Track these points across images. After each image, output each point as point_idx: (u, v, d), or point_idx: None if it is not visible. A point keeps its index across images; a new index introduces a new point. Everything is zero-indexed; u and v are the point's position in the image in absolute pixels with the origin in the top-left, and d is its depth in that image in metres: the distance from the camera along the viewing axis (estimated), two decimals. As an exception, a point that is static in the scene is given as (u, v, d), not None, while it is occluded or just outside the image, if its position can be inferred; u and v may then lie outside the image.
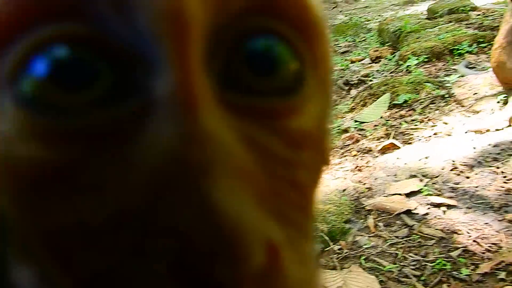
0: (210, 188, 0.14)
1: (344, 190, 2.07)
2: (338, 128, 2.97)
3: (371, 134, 2.72)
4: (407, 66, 4.05)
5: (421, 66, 3.98)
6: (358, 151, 2.53)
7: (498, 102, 2.58)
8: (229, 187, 0.14)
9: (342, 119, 3.18)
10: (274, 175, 0.17)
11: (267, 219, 0.16)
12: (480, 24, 4.71)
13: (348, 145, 2.65)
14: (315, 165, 0.20)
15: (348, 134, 2.76)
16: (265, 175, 0.17)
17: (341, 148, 2.64)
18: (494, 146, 2.12)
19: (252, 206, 0.15)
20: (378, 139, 2.63)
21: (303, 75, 0.19)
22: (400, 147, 2.42)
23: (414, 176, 2.06)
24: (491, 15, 4.98)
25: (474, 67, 3.55)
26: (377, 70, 4.51)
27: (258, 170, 0.17)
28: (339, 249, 1.70)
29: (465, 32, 4.34)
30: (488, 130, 2.30)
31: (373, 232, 1.75)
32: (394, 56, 4.69)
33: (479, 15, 5.15)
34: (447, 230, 1.66)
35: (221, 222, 0.14)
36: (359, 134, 2.77)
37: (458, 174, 1.97)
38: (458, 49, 3.97)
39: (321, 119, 0.20)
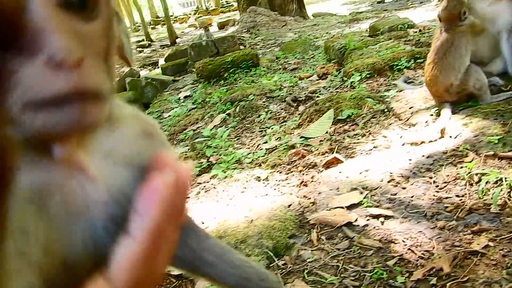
0: None
1: (289, 205, 2.13)
2: (285, 144, 3.05)
3: (317, 150, 2.81)
4: (351, 82, 4.22)
5: (364, 82, 4.15)
6: (304, 167, 2.60)
7: (431, 115, 2.73)
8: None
9: (290, 135, 3.27)
10: (91, 39, 0.40)
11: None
12: (417, 40, 4.98)
13: (295, 161, 2.73)
14: (107, 39, 0.42)
15: (294, 150, 2.83)
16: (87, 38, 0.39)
17: (288, 164, 2.71)
18: (428, 157, 2.25)
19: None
20: (323, 154, 2.72)
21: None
22: (343, 161, 2.52)
23: (355, 189, 2.14)
24: (427, 32, 5.28)
25: (412, 82, 3.74)
26: (323, 87, 4.66)
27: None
28: (283, 264, 1.74)
29: (404, 49, 4.58)
30: (422, 142, 2.44)
31: (316, 246, 1.81)
32: (339, 73, 4.87)
33: (416, 32, 5.44)
34: (385, 240, 1.74)
35: None
36: (305, 150, 2.86)
37: (395, 185, 2.07)
38: (397, 65, 4.18)
39: (110, 22, 0.43)
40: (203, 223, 2.08)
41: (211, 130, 3.88)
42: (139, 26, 25.84)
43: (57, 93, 0.34)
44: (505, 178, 1.79)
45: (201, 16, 26.23)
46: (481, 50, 2.76)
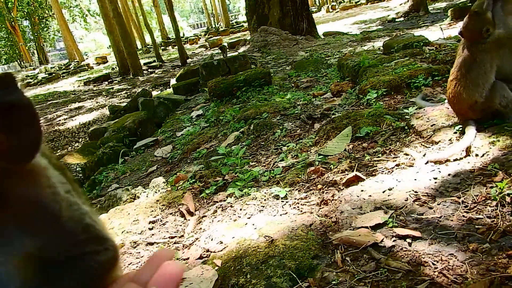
0: None
1: (310, 224, 2.05)
2: (303, 162, 2.98)
3: (336, 167, 2.74)
4: (367, 99, 4.16)
5: (381, 99, 4.09)
6: (323, 185, 2.53)
7: (455, 132, 2.65)
8: None
9: (307, 153, 3.20)
10: None
11: None
12: (434, 58, 4.92)
13: (313, 179, 2.65)
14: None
15: (313, 168, 2.76)
16: None
17: (307, 182, 2.64)
18: (454, 176, 2.16)
19: None
20: (342, 172, 2.64)
21: None
22: (364, 179, 2.44)
23: (379, 208, 2.06)
24: (444, 50, 5.22)
25: (430, 99, 3.67)
26: (339, 104, 4.60)
27: None
28: (307, 287, 1.65)
29: (420, 66, 4.52)
30: (447, 160, 2.35)
31: (341, 267, 1.72)
32: (354, 90, 4.81)
33: (432, 50, 5.39)
34: (414, 262, 1.65)
35: None
36: (324, 168, 2.79)
37: (422, 205, 1.98)
38: (414, 82, 4.12)
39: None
40: (221, 242, 2.00)
41: (225, 148, 3.82)
42: (151, 47, 26.18)
43: None
44: (540, 198, 1.70)
45: (211, 37, 26.56)
46: (507, 67, 2.69)
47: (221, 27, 35.85)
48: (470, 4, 9.16)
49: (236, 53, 11.87)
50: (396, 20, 14.75)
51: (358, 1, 30.44)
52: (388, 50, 6.17)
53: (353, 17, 21.65)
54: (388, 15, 16.59)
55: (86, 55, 38.25)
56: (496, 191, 1.87)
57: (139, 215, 2.44)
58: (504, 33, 2.54)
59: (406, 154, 2.64)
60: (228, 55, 9.30)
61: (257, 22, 13.41)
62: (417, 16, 14.01)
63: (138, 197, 2.94)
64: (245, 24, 23.65)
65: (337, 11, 28.58)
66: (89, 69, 26.06)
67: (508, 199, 1.81)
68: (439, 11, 14.27)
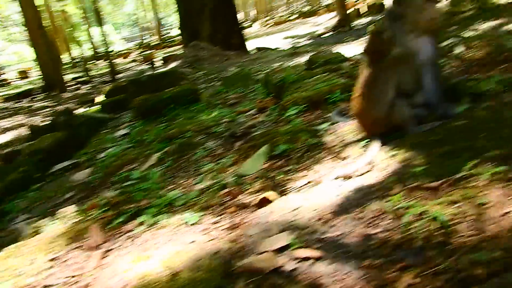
0: None
1: (216, 252, 2.01)
2: (219, 183, 2.95)
3: (250, 188, 2.73)
4: (288, 115, 4.22)
5: (301, 115, 4.16)
6: (236, 207, 2.51)
7: (362, 147, 2.75)
8: None
9: (224, 173, 3.17)
10: None
11: None
12: (351, 73, 5.11)
13: (227, 201, 2.63)
14: None
15: (226, 190, 2.74)
16: None
17: (220, 205, 2.60)
18: (357, 191, 2.22)
19: None
20: (256, 193, 2.64)
21: None
22: (275, 200, 2.44)
23: (285, 229, 2.06)
24: (360, 65, 5.42)
25: (346, 114, 3.79)
26: (261, 121, 4.63)
27: None
28: (206, 320, 1.61)
29: (338, 82, 4.66)
30: (353, 176, 2.42)
31: (243, 296, 1.69)
32: (277, 106, 4.87)
33: (349, 65, 5.59)
34: (313, 284, 1.66)
35: None
36: (239, 189, 2.77)
37: (324, 223, 2.01)
38: (332, 98, 4.24)
39: None
40: (123, 279, 1.91)
41: (144, 171, 3.72)
42: (79, 61, 25.28)
43: None
44: (428, 210, 1.78)
45: (144, 51, 26.12)
46: (405, 83, 2.83)
47: (154, 41, 35.40)
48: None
49: (166, 69, 11.73)
50: (324, 35, 15.28)
51: (290, 16, 31.28)
52: (311, 66, 6.33)
53: (285, 31, 22.18)
54: (317, 30, 17.17)
55: (2, 69, 35.43)
56: (391, 204, 1.94)
57: (38, 252, 2.29)
58: (401, 52, 2.68)
59: (316, 171, 2.69)
60: (159, 70, 9.15)
61: (189, 37, 13.35)
62: (343, 32, 14.60)
63: (42, 231, 2.76)
64: (179, 38, 23.49)
65: (270, 26, 29.15)
66: (6, 85, 24.38)
67: (401, 211, 1.88)
68: (362, 26, 14.97)
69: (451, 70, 4.07)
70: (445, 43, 5.11)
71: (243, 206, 2.50)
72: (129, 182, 3.45)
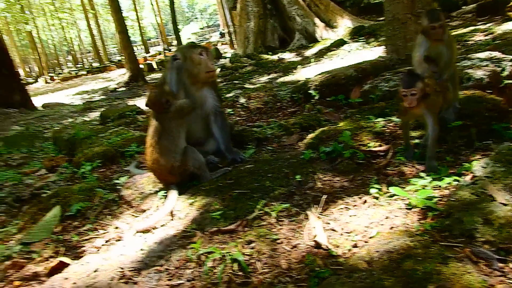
0: None
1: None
2: (2, 256, 2.55)
3: (40, 255, 2.44)
4: (82, 172, 3.97)
5: (96, 171, 3.97)
6: (23, 280, 2.19)
7: (161, 198, 2.75)
8: None
9: (8, 243, 2.76)
10: None
11: None
12: (146, 126, 5.14)
13: (10, 275, 2.28)
14: None
15: (9, 262, 2.37)
16: None
17: (1, 281, 2.24)
18: (160, 243, 2.19)
19: None
20: (47, 260, 2.36)
21: None
22: (70, 264, 2.22)
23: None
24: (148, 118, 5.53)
25: (144, 166, 3.76)
26: (53, 181, 4.24)
27: None
28: None
29: (133, 135, 4.63)
30: (154, 228, 2.39)
31: None
32: (70, 164, 4.55)
33: (144, 117, 5.64)
34: None
35: None
36: (26, 258, 2.44)
37: (127, 282, 1.92)
38: (128, 151, 4.17)
39: None
40: None
41: None
42: None
43: None
44: (228, 253, 1.86)
45: None
46: (195, 131, 2.99)
47: None
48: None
49: None
50: (118, 90, 15.10)
51: (78, 72, 30.08)
52: (105, 120, 6.16)
53: (75, 87, 21.12)
54: (110, 85, 16.87)
55: None
56: (193, 252, 1.97)
57: None
58: (184, 103, 2.82)
59: (116, 228, 2.57)
60: None
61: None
62: (137, 86, 14.69)
63: None
64: None
65: (57, 82, 27.44)
66: None
67: (203, 257, 1.92)
68: (156, 80, 15.33)
69: (237, 118, 4.47)
70: (230, 94, 5.62)
71: (32, 277, 2.20)
72: None
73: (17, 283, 2.17)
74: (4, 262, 2.41)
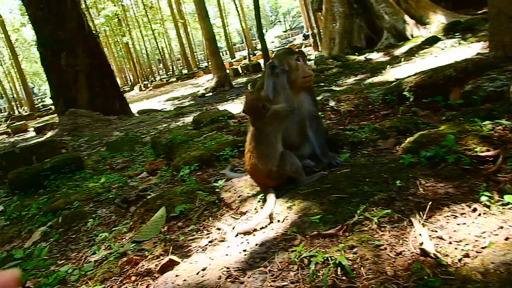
0: None
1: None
2: (116, 252, 2.79)
3: (151, 253, 2.64)
4: (181, 175, 4.21)
5: (194, 174, 4.18)
6: (138, 275, 2.39)
7: (259, 201, 2.84)
8: None
9: (121, 241, 3.02)
10: None
11: None
12: (237, 130, 5.32)
13: (127, 270, 2.49)
14: None
15: (125, 258, 2.60)
16: None
17: (120, 276, 2.46)
18: (261, 245, 2.27)
19: None
20: (157, 258, 2.55)
21: None
22: (179, 262, 2.38)
23: (194, 292, 2.02)
24: (245, 122, 5.70)
25: (239, 169, 3.90)
26: (155, 183, 4.55)
27: None
28: None
29: (226, 139, 4.82)
30: (255, 230, 2.48)
31: None
32: (169, 167, 4.84)
33: (236, 122, 5.83)
34: None
35: None
36: (139, 256, 2.65)
37: (233, 281, 2.01)
38: (223, 155, 4.35)
39: None
40: None
41: (28, 248, 3.37)
42: None
43: None
44: (330, 257, 1.89)
45: (14, 123, 24.20)
46: (291, 136, 3.04)
47: (25, 111, 33.09)
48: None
49: (42, 139, 10.98)
50: (206, 95, 15.73)
51: (169, 79, 31.71)
52: (198, 125, 6.46)
53: (166, 94, 22.36)
54: (198, 91, 17.62)
55: None
56: (296, 255, 2.02)
57: None
58: (280, 108, 2.89)
59: (218, 229, 2.70)
60: (34, 141, 8.53)
61: (65, 104, 12.72)
62: (224, 91, 15.20)
63: None
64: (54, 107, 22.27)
65: (150, 89, 29.20)
66: None
67: (306, 261, 1.96)
68: (241, 85, 15.76)
69: (327, 122, 4.46)
70: (319, 97, 5.62)
71: (146, 273, 2.39)
72: (12, 263, 3.09)
73: (133, 278, 2.37)
74: (121, 259, 2.64)
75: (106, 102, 12.89)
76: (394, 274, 1.74)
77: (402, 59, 8.20)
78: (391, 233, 2.01)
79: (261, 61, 18.24)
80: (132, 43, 42.83)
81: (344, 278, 1.79)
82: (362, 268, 1.82)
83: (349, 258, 1.88)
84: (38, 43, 12.93)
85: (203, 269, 2.18)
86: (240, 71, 21.89)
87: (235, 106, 9.15)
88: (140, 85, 32.13)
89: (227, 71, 17.96)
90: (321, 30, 16.12)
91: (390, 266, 1.79)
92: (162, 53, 47.22)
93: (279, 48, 31.21)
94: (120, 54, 47.22)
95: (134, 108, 14.80)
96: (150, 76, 43.71)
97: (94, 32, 13.62)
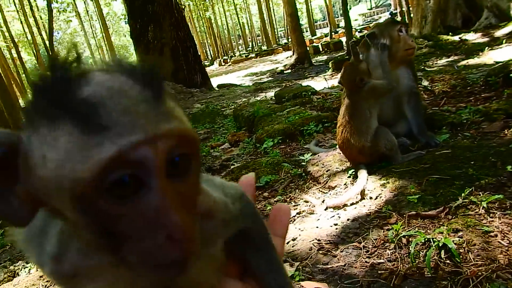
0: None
1: None
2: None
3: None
4: (264, 148, 4.20)
5: (277, 147, 4.16)
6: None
7: (349, 177, 2.74)
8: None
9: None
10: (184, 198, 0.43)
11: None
12: (321, 106, 5.20)
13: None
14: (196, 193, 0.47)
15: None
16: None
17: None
18: (353, 220, 2.20)
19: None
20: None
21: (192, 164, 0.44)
22: (267, 231, 2.37)
23: (285, 261, 1.99)
24: (329, 98, 5.56)
25: (323, 145, 3.81)
26: (237, 154, 4.59)
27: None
28: None
29: (310, 114, 4.73)
30: (345, 205, 2.40)
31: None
32: (251, 139, 4.86)
33: (319, 98, 5.70)
34: (324, 316, 1.59)
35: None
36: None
37: (326, 254, 1.97)
38: (307, 130, 4.28)
39: (197, 177, 0.46)
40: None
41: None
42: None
43: (173, 258, 0.41)
44: (432, 238, 1.76)
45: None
46: (386, 113, 2.89)
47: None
48: (347, 57, 10.02)
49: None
50: (285, 72, 15.61)
51: (248, 55, 31.89)
52: (280, 100, 6.41)
53: (245, 69, 22.52)
54: (277, 68, 17.52)
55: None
56: (393, 233, 1.92)
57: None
58: (380, 84, 2.73)
59: (306, 201, 2.66)
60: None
61: (150, 76, 13.21)
62: (303, 68, 14.97)
63: (18, 275, 2.54)
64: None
65: (229, 65, 29.59)
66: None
67: (404, 240, 1.86)
68: (321, 63, 15.42)
69: (423, 102, 4.20)
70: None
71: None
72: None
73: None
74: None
75: (188, 75, 13.23)
76: (509, 262, 1.58)
77: (504, 41, 7.49)
78: (502, 220, 1.84)
79: (343, 39, 17.71)
80: (214, 18, 43.48)
81: (448, 262, 1.67)
82: (469, 253, 1.68)
83: (454, 242, 1.74)
84: (129, 16, 13.50)
85: (294, 239, 2.16)
86: (321, 49, 21.40)
87: (315, 84, 8.98)
88: (220, 60, 32.65)
89: (308, 48, 17.63)
90: (411, 8, 15.23)
91: (502, 254, 1.64)
92: (242, 29, 47.51)
93: (362, 26, 30.11)
94: (202, 29, 48.20)
95: (214, 82, 15.07)
96: (230, 51, 44.24)
97: (180, 5, 13.93)
